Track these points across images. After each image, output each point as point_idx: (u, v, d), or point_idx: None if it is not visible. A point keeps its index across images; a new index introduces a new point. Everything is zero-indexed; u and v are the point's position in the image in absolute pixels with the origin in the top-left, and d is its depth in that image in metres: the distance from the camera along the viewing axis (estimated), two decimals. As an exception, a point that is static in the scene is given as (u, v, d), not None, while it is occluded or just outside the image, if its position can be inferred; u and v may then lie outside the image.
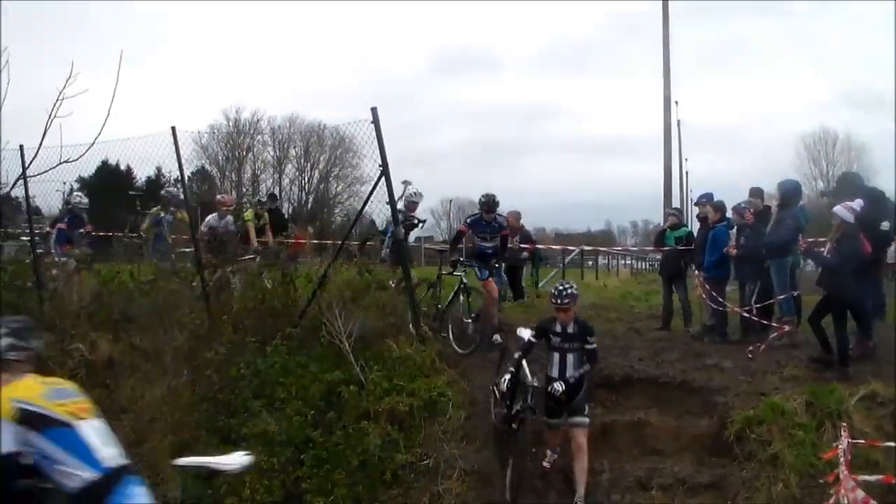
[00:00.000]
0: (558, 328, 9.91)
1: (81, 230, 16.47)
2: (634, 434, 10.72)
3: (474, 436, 10.24)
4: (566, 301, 9.76)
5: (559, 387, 9.52)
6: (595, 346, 10.03)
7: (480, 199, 13.47)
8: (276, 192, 65.07)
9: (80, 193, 18.68)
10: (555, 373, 9.82)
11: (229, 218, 16.04)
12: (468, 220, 14.14)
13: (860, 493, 6.76)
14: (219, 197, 16.68)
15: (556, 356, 9.91)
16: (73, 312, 13.23)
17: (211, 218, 15.68)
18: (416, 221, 16.09)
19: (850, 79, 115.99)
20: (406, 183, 15.32)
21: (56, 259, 15.50)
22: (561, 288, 9.96)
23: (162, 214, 16.52)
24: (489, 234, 13.57)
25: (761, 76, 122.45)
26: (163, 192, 18.30)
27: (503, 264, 15.06)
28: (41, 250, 16.04)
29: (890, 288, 13.34)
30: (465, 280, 12.94)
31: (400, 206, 13.90)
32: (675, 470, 10.06)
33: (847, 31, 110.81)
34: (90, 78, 8.92)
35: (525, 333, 10.26)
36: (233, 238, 15.42)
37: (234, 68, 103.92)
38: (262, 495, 9.86)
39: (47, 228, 16.66)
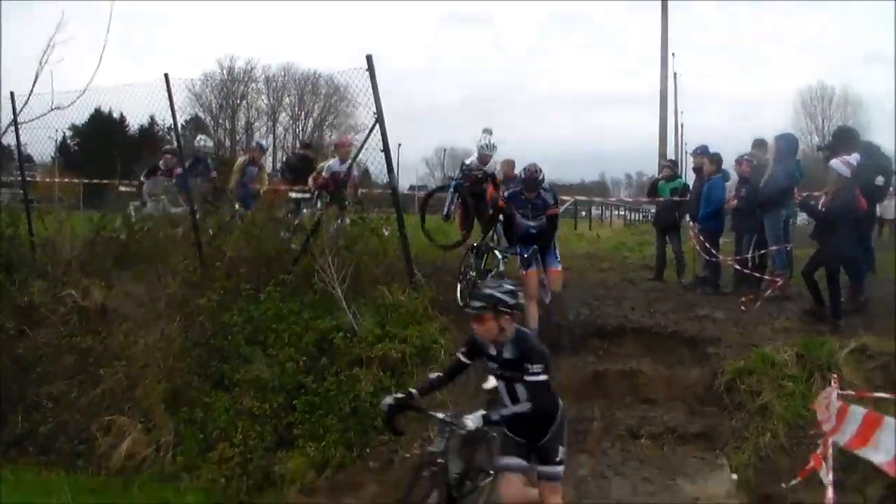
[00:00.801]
0: (491, 350, 6.78)
1: (204, 176, 15.99)
2: (626, 383, 10.78)
3: (465, 383, 10.26)
4: (477, 306, 6.61)
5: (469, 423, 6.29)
6: (539, 378, 6.46)
7: (521, 175, 11.72)
8: (270, 140, 64.88)
9: (204, 136, 18.20)
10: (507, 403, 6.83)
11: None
12: (506, 194, 11.91)
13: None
14: (341, 139, 15.68)
15: (501, 384, 6.89)
16: (65, 260, 13.18)
17: (333, 162, 14.95)
18: (482, 175, 14.10)
19: (852, 35, 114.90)
20: (486, 132, 14.28)
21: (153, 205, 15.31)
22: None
23: (248, 165, 16.22)
24: (532, 212, 11.40)
25: (761, 33, 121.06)
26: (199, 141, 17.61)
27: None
28: (136, 203, 15.95)
29: (889, 243, 13.33)
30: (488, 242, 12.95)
31: (473, 157, 13.85)
32: (666, 419, 10.12)
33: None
34: (83, 24, 8.84)
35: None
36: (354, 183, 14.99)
37: (228, 18, 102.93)
38: (254, 441, 9.90)
39: (141, 178, 16.41)
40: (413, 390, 6.95)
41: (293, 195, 15.50)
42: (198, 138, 17.58)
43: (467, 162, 14.24)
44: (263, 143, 17.38)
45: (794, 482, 8.49)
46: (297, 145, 60.38)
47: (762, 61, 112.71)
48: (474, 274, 12.42)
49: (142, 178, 16.11)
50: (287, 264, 12.16)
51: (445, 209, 14.29)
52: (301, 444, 9.74)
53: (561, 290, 11.50)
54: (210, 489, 9.65)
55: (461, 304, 11.86)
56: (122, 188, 16.16)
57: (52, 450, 10.53)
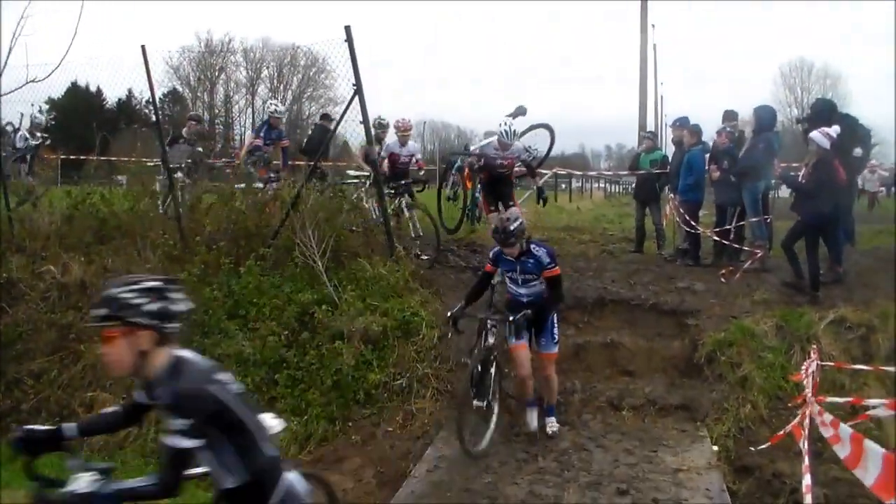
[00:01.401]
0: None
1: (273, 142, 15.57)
2: (606, 355, 10.82)
3: (447, 355, 10.28)
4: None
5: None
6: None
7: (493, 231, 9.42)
8: (249, 113, 64.58)
9: (275, 101, 17.74)
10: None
11: (414, 144, 15.36)
12: (491, 255, 9.38)
13: (828, 416, 6.85)
14: (398, 121, 15.08)
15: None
16: (43, 235, 13.09)
17: (392, 143, 14.81)
18: (478, 165, 13.71)
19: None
20: (518, 110, 14.17)
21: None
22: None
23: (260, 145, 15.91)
24: (521, 276, 9.18)
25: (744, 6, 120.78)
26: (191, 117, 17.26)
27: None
28: (162, 177, 15.44)
29: (873, 215, 13.41)
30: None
31: (491, 140, 13.51)
32: (647, 391, 10.17)
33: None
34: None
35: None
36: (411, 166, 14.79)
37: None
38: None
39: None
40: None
41: (351, 173, 15.38)
42: (268, 103, 17.26)
43: (483, 143, 14.00)
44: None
45: (763, 447, 8.57)
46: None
47: (746, 39, 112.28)
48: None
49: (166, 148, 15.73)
50: (267, 238, 12.13)
51: (449, 189, 14.31)
52: (283, 419, 9.75)
53: (553, 375, 9.55)
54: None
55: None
56: (149, 163, 15.62)
57: (33, 426, 10.50)
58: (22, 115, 17.23)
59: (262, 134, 15.23)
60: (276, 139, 15.54)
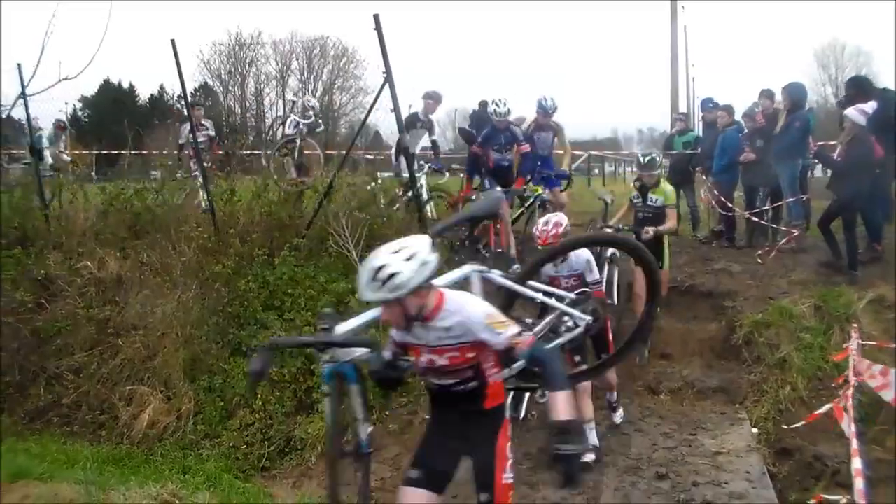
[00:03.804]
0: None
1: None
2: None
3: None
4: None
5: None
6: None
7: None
8: (280, 105, 64.73)
9: (308, 97, 17.39)
10: None
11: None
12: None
13: (877, 367, 6.78)
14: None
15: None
16: (79, 231, 13.15)
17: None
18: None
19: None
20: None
21: None
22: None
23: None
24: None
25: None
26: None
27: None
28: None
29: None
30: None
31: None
32: (684, 374, 10.16)
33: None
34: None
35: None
36: None
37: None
38: (274, 406, 9.92)
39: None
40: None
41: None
42: (306, 98, 17.22)
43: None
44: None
45: (799, 425, 8.50)
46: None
47: (780, 20, 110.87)
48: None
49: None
50: (301, 228, 12.14)
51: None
52: (320, 409, 9.75)
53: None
54: (231, 456, 9.69)
55: None
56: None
57: (74, 421, 10.59)
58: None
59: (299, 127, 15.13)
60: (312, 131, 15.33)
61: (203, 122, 15.92)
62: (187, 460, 9.63)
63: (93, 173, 19.78)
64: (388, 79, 11.62)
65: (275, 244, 11.90)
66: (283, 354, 10.24)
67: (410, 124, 13.56)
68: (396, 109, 11.97)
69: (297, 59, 67.52)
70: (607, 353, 8.16)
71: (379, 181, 13.08)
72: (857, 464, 5.16)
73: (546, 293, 6.58)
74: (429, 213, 12.87)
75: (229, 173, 14.36)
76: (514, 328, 4.60)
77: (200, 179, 13.80)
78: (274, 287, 11.17)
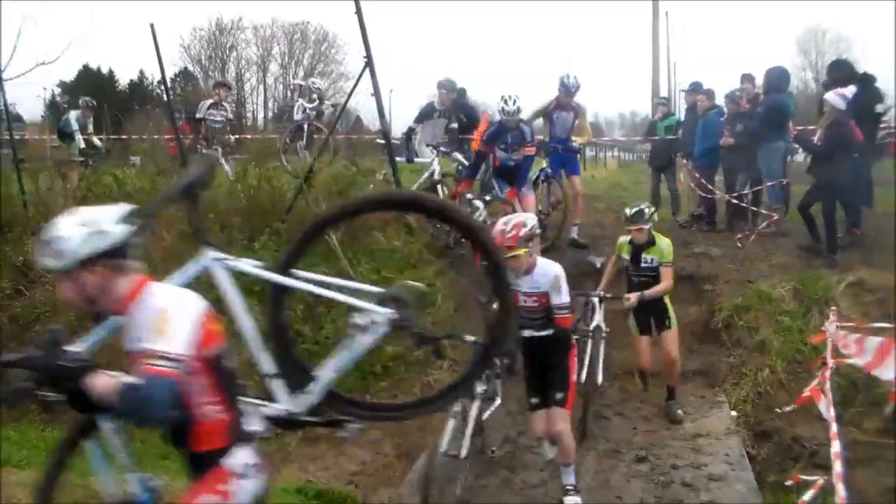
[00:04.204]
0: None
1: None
2: (623, 322, 10.78)
3: (463, 326, 10.25)
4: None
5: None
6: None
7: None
8: (261, 90, 64.53)
9: (313, 78, 16.84)
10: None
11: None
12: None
13: (853, 336, 6.82)
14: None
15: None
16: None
17: None
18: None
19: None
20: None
21: None
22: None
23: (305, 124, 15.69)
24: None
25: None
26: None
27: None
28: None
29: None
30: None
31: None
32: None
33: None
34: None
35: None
36: None
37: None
38: (254, 391, 9.88)
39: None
40: None
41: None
42: (310, 81, 16.98)
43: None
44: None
45: (787, 408, 8.55)
46: (288, 94, 60.07)
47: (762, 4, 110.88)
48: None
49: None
50: (281, 213, 12.10)
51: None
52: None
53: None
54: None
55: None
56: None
57: (53, 408, 10.54)
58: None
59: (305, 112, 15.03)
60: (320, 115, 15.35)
61: (224, 103, 15.84)
62: (168, 446, 9.59)
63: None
64: (369, 63, 11.59)
65: (255, 228, 11.86)
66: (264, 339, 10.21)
67: (427, 115, 13.54)
68: (377, 93, 11.96)
69: (278, 44, 67.24)
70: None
71: (357, 166, 12.97)
72: (836, 447, 5.18)
73: (321, 284, 4.64)
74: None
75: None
76: (169, 343, 3.44)
77: (220, 158, 13.86)
78: (254, 272, 11.11)
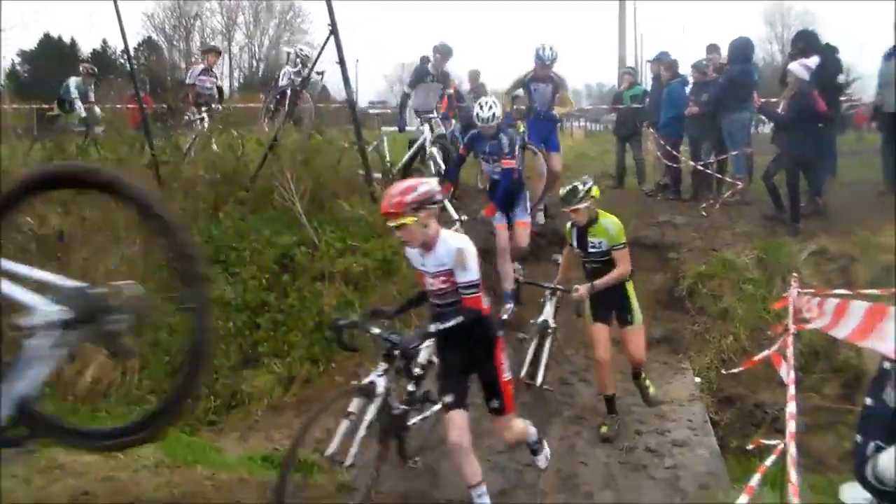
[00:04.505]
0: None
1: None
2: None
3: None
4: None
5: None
6: None
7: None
8: (226, 59, 64.00)
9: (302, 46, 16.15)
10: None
11: None
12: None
13: (814, 300, 6.89)
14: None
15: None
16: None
17: None
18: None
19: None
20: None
21: None
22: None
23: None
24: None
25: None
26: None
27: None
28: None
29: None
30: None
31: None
32: (629, 324, 10.23)
33: None
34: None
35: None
36: None
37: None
38: (220, 359, 9.83)
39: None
40: None
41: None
42: (298, 48, 16.59)
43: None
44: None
45: (737, 370, 8.63)
46: (254, 65, 59.70)
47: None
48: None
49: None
50: (245, 181, 12.04)
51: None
52: (266, 362, 9.74)
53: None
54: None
55: None
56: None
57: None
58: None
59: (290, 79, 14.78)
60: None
61: (213, 69, 15.63)
62: (133, 416, 9.53)
63: (34, 129, 19.41)
64: (333, 31, 11.53)
65: (219, 197, 11.79)
66: (229, 308, 10.19)
67: (419, 79, 13.34)
68: (342, 62, 11.90)
69: (243, 13, 66.71)
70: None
71: (324, 135, 12.86)
72: (791, 407, 5.24)
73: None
74: (433, 166, 12.56)
75: (172, 127, 14.21)
76: None
77: (206, 125, 13.71)
78: (219, 241, 11.06)
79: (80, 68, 16.83)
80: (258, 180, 11.95)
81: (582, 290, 7.83)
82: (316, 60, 12.61)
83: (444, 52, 13.48)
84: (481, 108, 10.06)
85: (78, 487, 6.39)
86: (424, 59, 13.83)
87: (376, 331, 6.08)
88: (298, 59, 14.47)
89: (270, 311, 10.27)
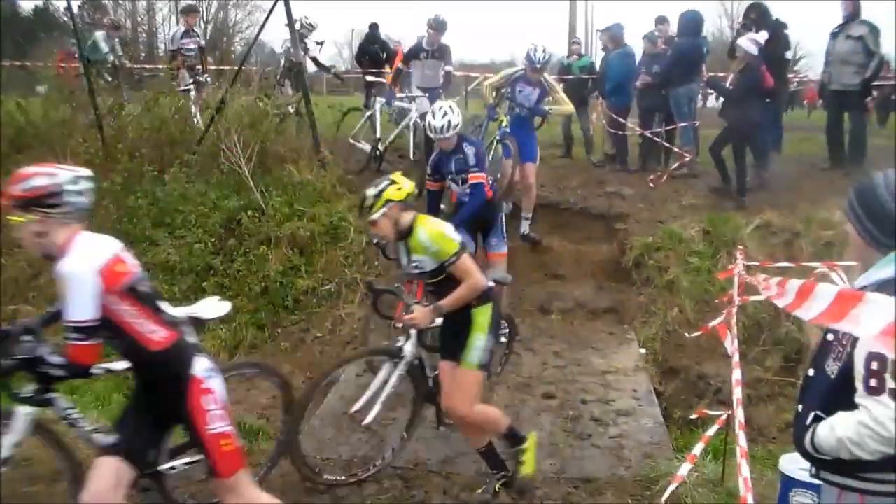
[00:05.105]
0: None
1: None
2: (535, 259, 10.86)
3: (375, 260, 10.22)
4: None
5: None
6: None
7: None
8: (173, 21, 63.02)
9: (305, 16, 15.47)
10: None
11: None
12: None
13: (774, 280, 6.95)
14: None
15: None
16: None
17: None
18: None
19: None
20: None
21: None
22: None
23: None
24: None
25: None
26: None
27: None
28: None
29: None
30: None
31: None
32: (575, 294, 10.30)
33: None
34: None
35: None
36: None
37: None
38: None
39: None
40: None
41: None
42: (303, 16, 16.13)
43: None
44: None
45: (696, 333, 8.67)
46: (202, 26, 58.75)
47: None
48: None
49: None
50: (191, 144, 11.87)
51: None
52: (212, 327, 9.62)
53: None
54: (122, 376, 9.52)
55: None
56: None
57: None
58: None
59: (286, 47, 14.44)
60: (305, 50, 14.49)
61: (195, 28, 15.22)
62: (75, 381, 9.42)
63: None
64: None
65: (165, 160, 11.63)
66: (174, 271, 10.07)
67: (414, 55, 13.06)
68: (290, 24, 11.78)
69: (191, -29, 65.70)
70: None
71: (269, 98, 12.64)
72: (737, 374, 5.29)
73: None
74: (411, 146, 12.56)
75: (117, 87, 13.97)
76: None
77: (193, 93, 13.43)
78: (164, 204, 10.91)
79: (104, 20, 16.58)
80: (205, 143, 11.79)
81: (419, 313, 5.73)
82: (264, 23, 12.48)
83: (437, 26, 12.72)
84: (433, 115, 8.17)
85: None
86: (373, 26, 13.70)
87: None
88: (304, 29, 14.06)
89: (216, 275, 10.16)
